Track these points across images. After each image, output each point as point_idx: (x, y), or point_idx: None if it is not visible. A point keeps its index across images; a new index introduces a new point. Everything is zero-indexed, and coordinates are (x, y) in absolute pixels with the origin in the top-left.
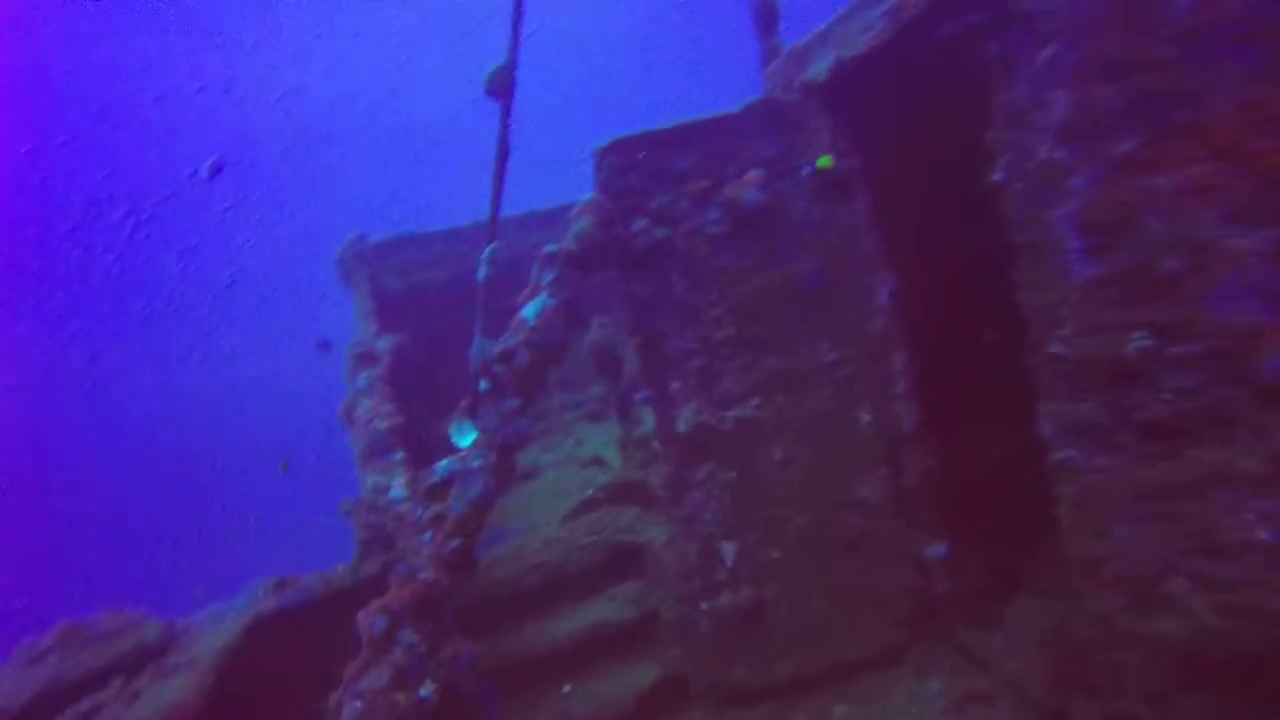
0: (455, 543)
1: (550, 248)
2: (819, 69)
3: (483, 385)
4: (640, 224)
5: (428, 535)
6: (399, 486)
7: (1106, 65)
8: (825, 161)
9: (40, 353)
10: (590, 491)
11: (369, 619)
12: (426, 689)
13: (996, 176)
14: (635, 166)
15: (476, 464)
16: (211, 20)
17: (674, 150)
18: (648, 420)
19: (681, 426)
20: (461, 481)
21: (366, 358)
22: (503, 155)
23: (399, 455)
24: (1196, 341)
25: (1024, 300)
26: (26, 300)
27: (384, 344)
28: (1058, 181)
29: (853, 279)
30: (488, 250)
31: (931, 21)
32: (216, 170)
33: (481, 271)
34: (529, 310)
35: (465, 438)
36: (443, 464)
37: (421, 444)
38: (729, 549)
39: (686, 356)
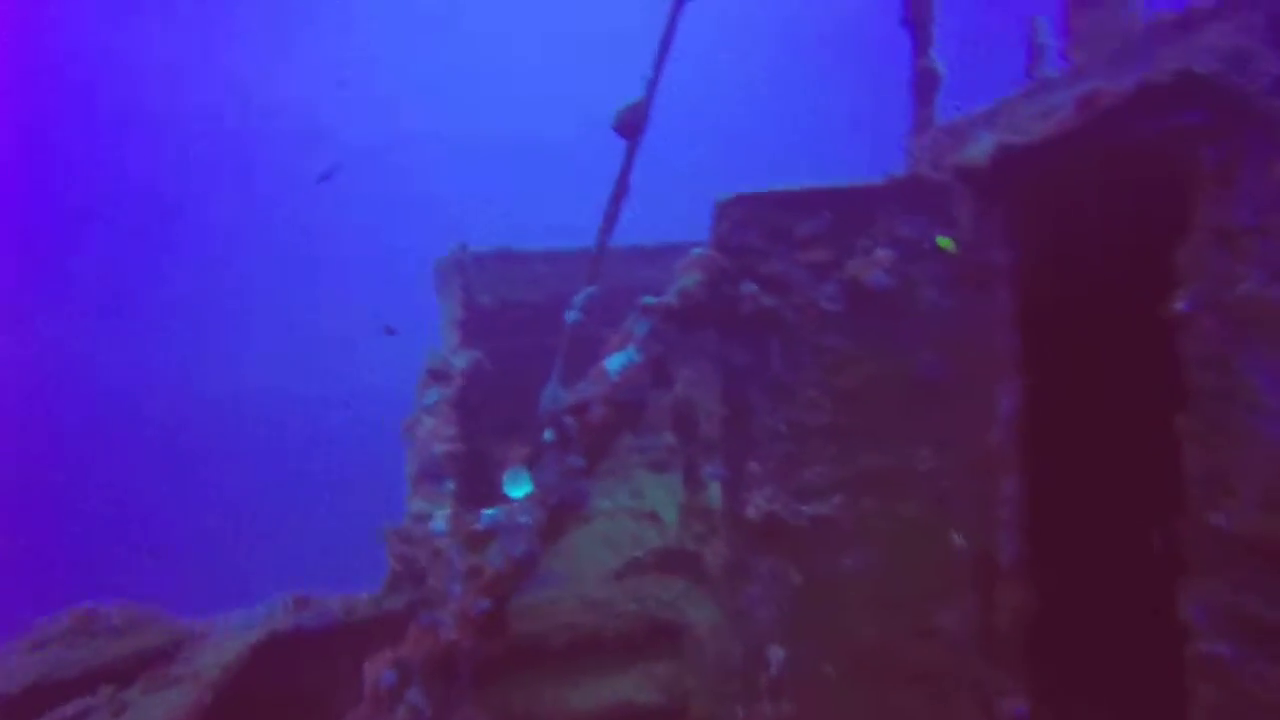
0: (486, 604)
1: (649, 300)
2: (979, 150)
3: (548, 435)
4: (750, 288)
5: (458, 587)
6: (441, 519)
7: None
8: (945, 243)
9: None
10: (640, 554)
11: (378, 669)
12: None
13: (1179, 305)
14: (755, 223)
15: (524, 520)
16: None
17: (799, 213)
18: (714, 490)
19: (751, 512)
20: (505, 536)
21: (439, 375)
22: (619, 195)
23: (449, 485)
24: None
25: (1188, 453)
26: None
27: (461, 361)
28: (1266, 324)
29: (975, 381)
30: (583, 295)
31: (1132, 116)
32: (328, 175)
33: (571, 315)
34: (613, 363)
35: (519, 488)
36: (489, 512)
37: (480, 472)
38: (778, 654)
39: (771, 438)
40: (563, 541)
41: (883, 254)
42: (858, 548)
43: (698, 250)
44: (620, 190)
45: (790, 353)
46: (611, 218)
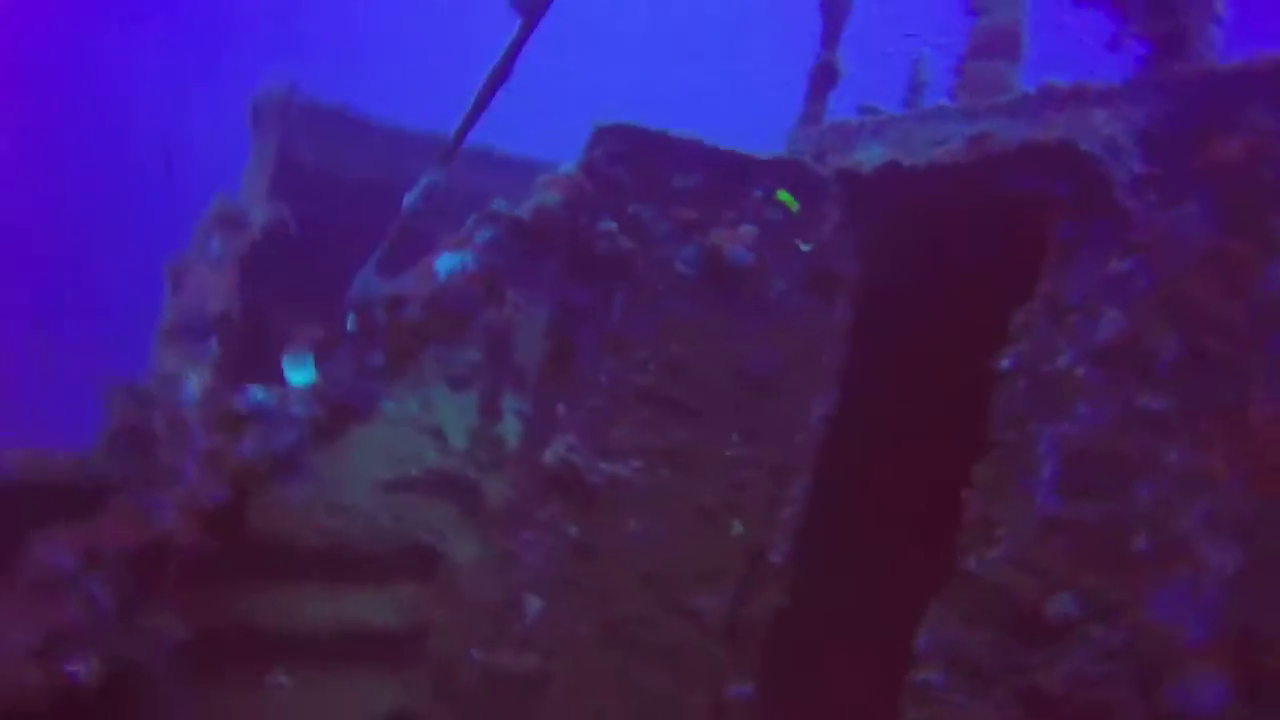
0: (222, 495)
1: (499, 205)
2: (866, 159)
3: (350, 323)
4: (608, 225)
5: (193, 469)
6: (195, 385)
7: (1182, 308)
8: (785, 196)
9: None
10: (415, 470)
11: (50, 552)
12: (81, 666)
13: (1003, 362)
14: (631, 160)
15: (296, 411)
16: None
17: (678, 163)
18: (510, 424)
19: (548, 456)
20: (268, 423)
21: (230, 222)
22: (498, 78)
23: (213, 348)
24: (1119, 632)
25: (969, 500)
26: None
27: (261, 214)
28: (1067, 398)
29: (797, 385)
30: (428, 179)
31: (1014, 168)
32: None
33: (411, 198)
34: (444, 263)
35: (301, 374)
36: (257, 391)
37: (256, 345)
38: (535, 605)
39: (589, 388)
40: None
41: (748, 230)
42: (644, 516)
43: (565, 167)
44: (500, 73)
45: (632, 306)
46: (482, 103)
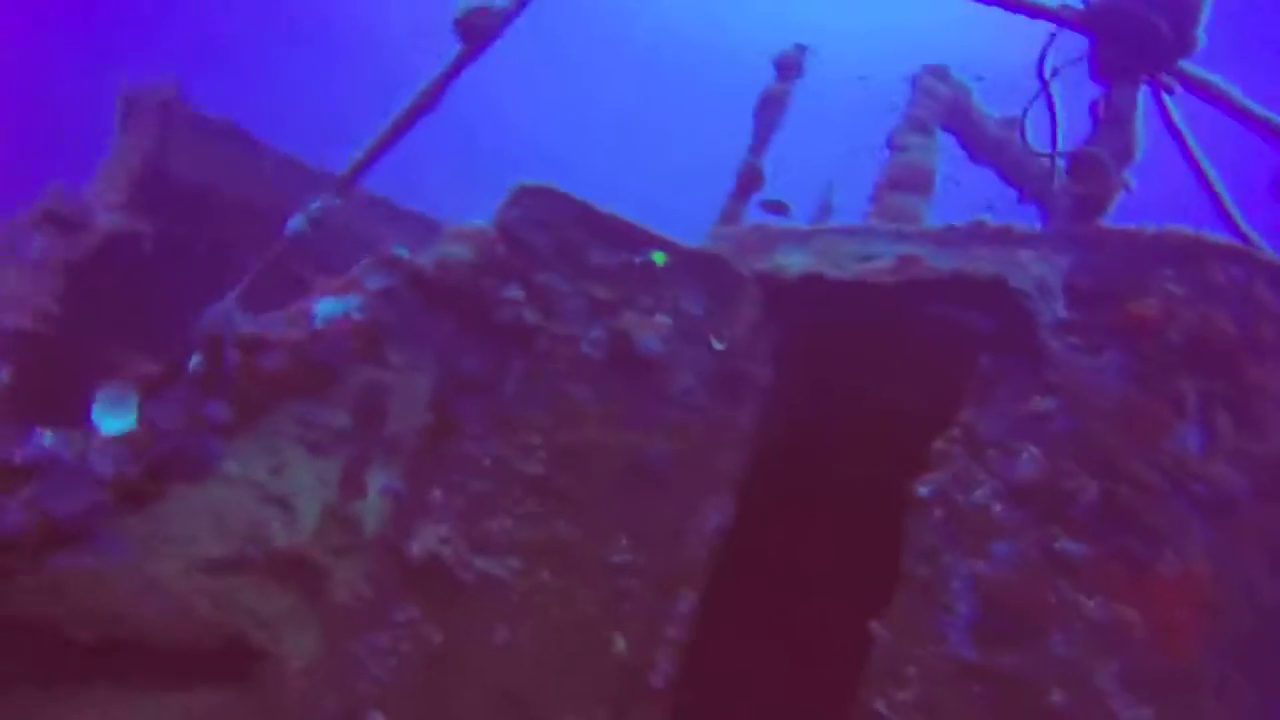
0: None
1: (400, 251)
2: (789, 264)
3: (195, 362)
4: (515, 293)
5: None
6: None
7: (1098, 456)
8: (659, 257)
9: None
10: (252, 547)
11: None
12: None
13: (920, 489)
14: (550, 227)
15: (98, 467)
16: None
17: (601, 239)
18: (374, 503)
19: (416, 547)
20: (51, 481)
21: (64, 220)
22: (423, 104)
23: (3, 374)
24: None
25: (878, 635)
26: None
27: (110, 219)
28: (982, 536)
29: (692, 489)
30: (320, 202)
31: (941, 295)
32: None
33: (297, 223)
34: (325, 307)
35: (116, 418)
36: (48, 436)
37: (67, 375)
38: None
39: (470, 469)
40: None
41: (662, 320)
42: (514, 624)
43: (478, 221)
44: (428, 99)
45: (528, 384)
46: (400, 127)
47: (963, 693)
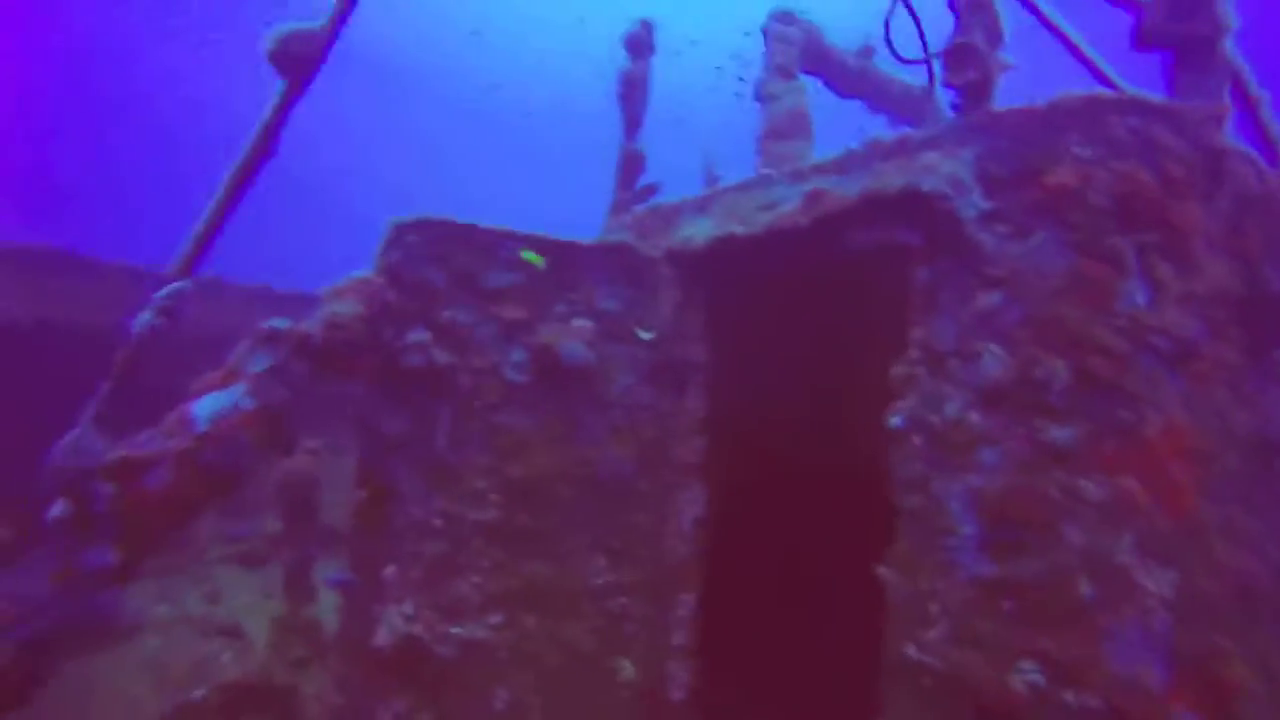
0: None
1: (276, 323)
2: (694, 234)
3: (58, 509)
4: (420, 336)
5: None
6: None
7: (1058, 335)
8: (532, 256)
9: None
10: (201, 691)
11: None
12: None
13: (893, 421)
14: (439, 260)
15: None
16: None
17: (495, 258)
18: (328, 601)
19: (383, 635)
20: None
21: None
22: (260, 151)
23: None
24: (1092, 692)
25: (888, 580)
26: None
27: None
28: (966, 449)
29: (660, 488)
30: (169, 289)
31: (855, 223)
32: None
33: (143, 318)
34: (206, 406)
35: None
36: None
37: None
38: None
39: (420, 534)
40: (80, 666)
41: (582, 324)
42: (512, 681)
43: (358, 272)
44: (263, 145)
45: (460, 427)
46: (240, 183)
47: (993, 612)
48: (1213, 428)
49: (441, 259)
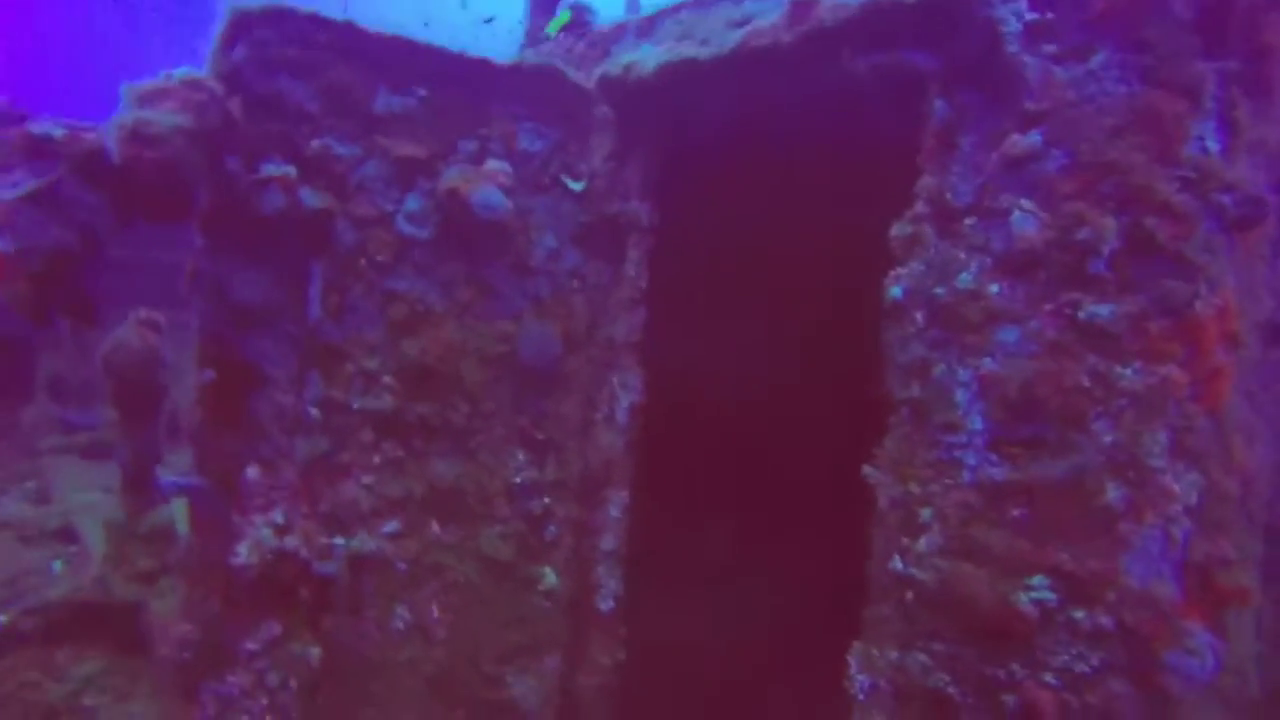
0: None
1: (44, 126)
2: (640, 60)
3: None
4: (280, 169)
5: None
6: None
7: (1108, 185)
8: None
9: None
10: (10, 613)
11: None
12: None
13: (892, 292)
14: (305, 68)
15: None
16: None
17: (386, 73)
18: (180, 508)
19: (245, 554)
20: None
21: None
22: None
23: None
24: (1108, 612)
25: (877, 480)
26: None
27: None
28: (980, 328)
29: (591, 370)
30: None
31: (855, 41)
32: None
33: None
34: None
35: None
36: None
37: None
38: None
39: (293, 428)
40: None
41: (497, 166)
42: (416, 599)
43: (180, 70)
44: None
45: (341, 293)
46: None
47: (999, 522)
48: (1246, 308)
49: (308, 69)
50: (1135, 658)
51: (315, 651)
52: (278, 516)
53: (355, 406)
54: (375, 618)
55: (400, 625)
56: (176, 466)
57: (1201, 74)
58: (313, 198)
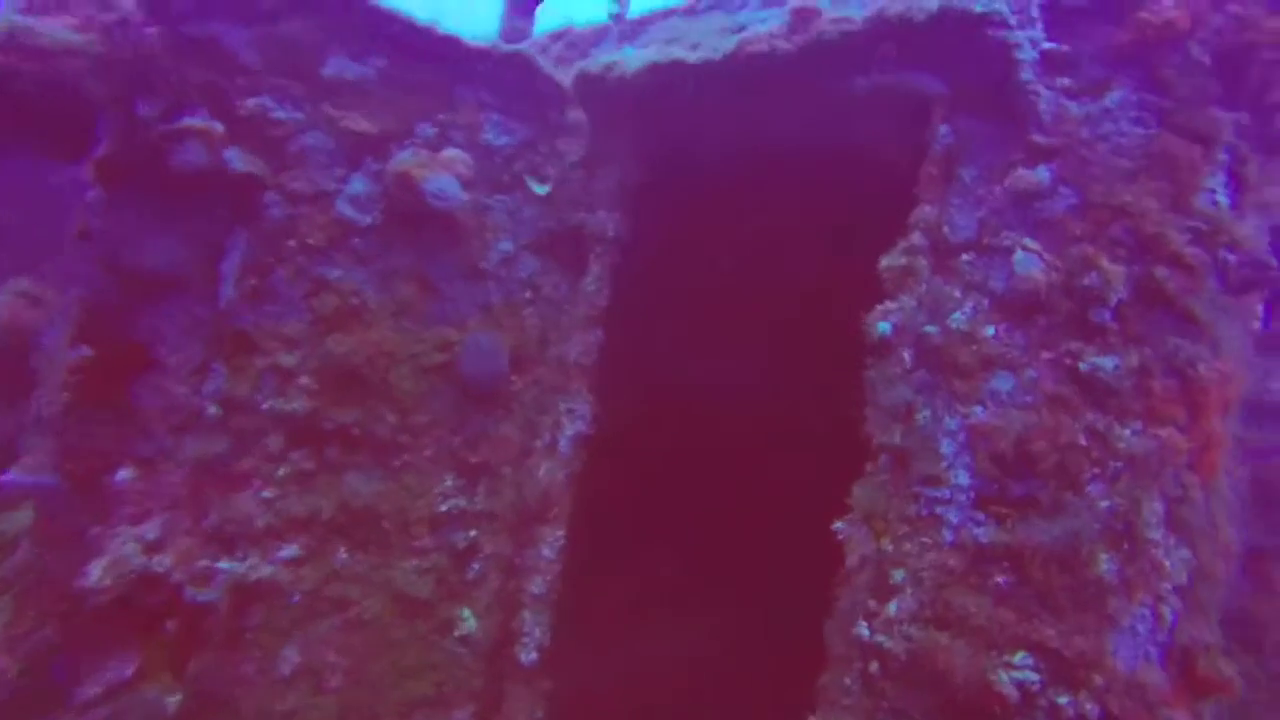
0: None
1: None
2: (623, 61)
3: None
4: (204, 121)
5: None
6: None
7: (1118, 230)
8: None
9: None
10: None
11: None
12: None
13: (879, 327)
14: (249, 17)
15: None
16: None
17: (341, 35)
18: (27, 517)
19: (98, 574)
20: None
21: None
22: None
23: None
24: (1093, 698)
25: (845, 536)
26: None
27: None
28: (972, 373)
29: (537, 392)
30: None
31: (857, 57)
32: None
33: None
34: None
35: None
36: None
37: None
38: None
39: (184, 425)
40: None
41: (455, 154)
42: (308, 639)
43: None
44: None
45: (261, 274)
46: None
47: (981, 589)
48: (1242, 377)
49: (252, 13)
50: None
51: (173, 700)
52: (150, 530)
53: (264, 407)
54: (257, 659)
55: (286, 669)
56: (29, 463)
57: (1219, 122)
58: (240, 161)
